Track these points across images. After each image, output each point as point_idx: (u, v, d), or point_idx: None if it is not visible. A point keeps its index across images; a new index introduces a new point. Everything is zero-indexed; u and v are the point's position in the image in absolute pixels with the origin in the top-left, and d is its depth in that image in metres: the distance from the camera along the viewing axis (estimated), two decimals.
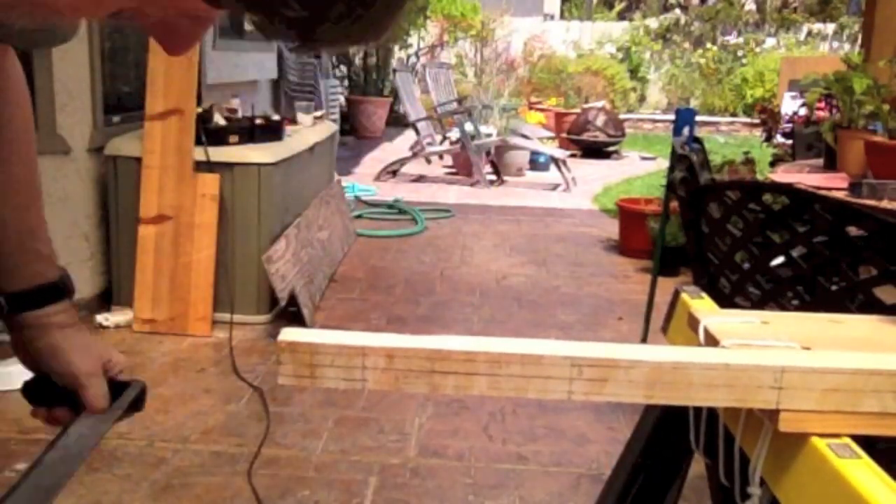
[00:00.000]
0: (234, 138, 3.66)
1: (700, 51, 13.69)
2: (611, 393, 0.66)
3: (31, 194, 0.84)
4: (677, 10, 15.17)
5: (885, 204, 2.32)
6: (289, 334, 0.68)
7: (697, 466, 0.99)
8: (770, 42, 13.70)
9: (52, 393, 0.80)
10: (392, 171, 7.71)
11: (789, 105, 6.46)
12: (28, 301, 0.80)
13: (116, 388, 0.81)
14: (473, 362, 0.66)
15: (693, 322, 0.86)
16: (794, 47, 13.43)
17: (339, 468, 2.44)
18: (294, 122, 4.52)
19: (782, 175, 2.92)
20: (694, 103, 12.95)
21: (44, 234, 0.84)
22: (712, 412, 0.84)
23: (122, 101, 4.12)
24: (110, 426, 0.79)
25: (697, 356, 0.68)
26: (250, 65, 6.90)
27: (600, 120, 9.73)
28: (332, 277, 4.42)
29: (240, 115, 4.00)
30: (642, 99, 13.73)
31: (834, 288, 1.43)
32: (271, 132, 3.87)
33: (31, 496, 0.65)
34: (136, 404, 0.83)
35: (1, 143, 0.81)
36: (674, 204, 2.70)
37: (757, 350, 0.75)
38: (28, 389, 0.82)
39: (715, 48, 13.57)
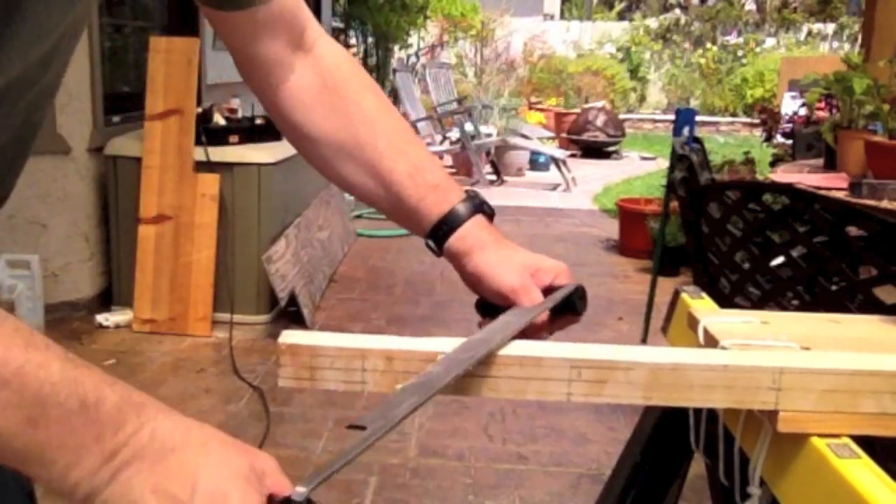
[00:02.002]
0: (234, 138, 3.66)
1: (700, 51, 13.69)
2: (610, 394, 0.66)
3: (405, 136, 0.86)
4: (677, 10, 15.19)
5: (885, 204, 2.32)
6: (289, 337, 0.68)
7: (697, 466, 0.98)
8: (770, 42, 13.71)
9: (499, 308, 0.79)
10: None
11: (789, 105, 6.46)
12: (436, 235, 0.82)
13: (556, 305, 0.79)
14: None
15: (693, 322, 0.86)
16: (794, 47, 13.44)
17: None
18: None
19: (782, 175, 2.92)
20: (694, 103, 12.95)
21: (431, 164, 0.86)
22: (712, 412, 0.84)
23: (122, 101, 4.12)
24: (537, 315, 0.76)
25: (696, 357, 0.68)
26: None
27: (600, 120, 9.73)
28: (332, 277, 4.42)
29: (240, 115, 4.00)
30: (642, 99, 13.73)
31: (834, 288, 1.43)
32: (271, 132, 3.86)
33: (449, 364, 0.63)
34: (574, 305, 0.81)
35: (361, 120, 0.84)
36: (674, 204, 2.70)
37: (756, 351, 0.75)
38: (479, 305, 0.83)
39: (715, 48, 13.57)
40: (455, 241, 0.82)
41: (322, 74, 0.85)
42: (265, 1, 0.79)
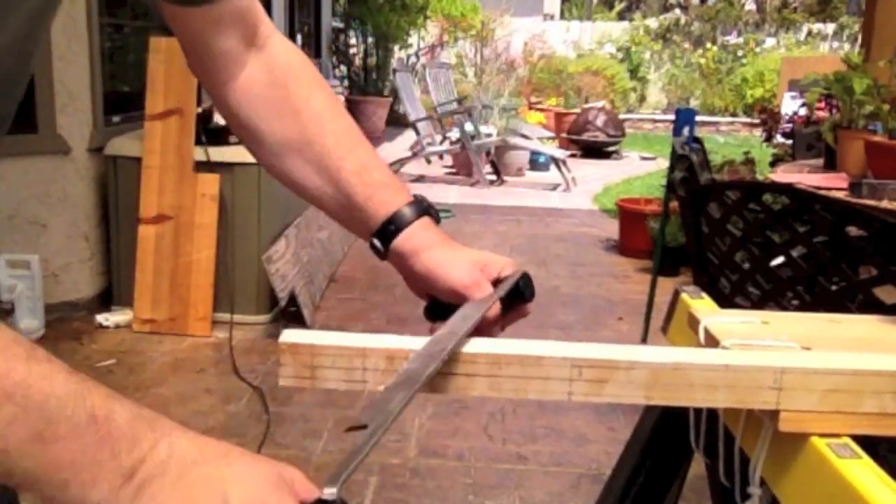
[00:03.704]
0: (234, 138, 3.65)
1: (700, 51, 13.69)
2: (610, 394, 0.66)
3: (354, 135, 0.86)
4: (677, 10, 15.19)
5: (885, 204, 2.32)
6: (289, 336, 0.68)
7: (697, 466, 0.98)
8: (770, 42, 13.71)
9: (448, 310, 0.78)
10: (392, 171, 7.70)
11: (789, 105, 6.46)
12: (383, 234, 0.81)
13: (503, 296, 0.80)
14: (473, 363, 0.66)
15: (693, 322, 0.86)
16: (794, 47, 13.44)
17: None
18: None
19: (782, 175, 2.92)
20: (694, 103, 12.95)
21: (378, 164, 0.86)
22: (712, 412, 0.84)
23: (122, 101, 4.12)
24: (492, 305, 0.77)
25: (697, 357, 0.68)
26: None
27: (600, 120, 9.73)
28: (332, 277, 4.42)
29: None
30: (642, 99, 13.73)
31: (834, 288, 1.43)
32: None
33: (424, 360, 0.63)
34: (522, 293, 0.81)
35: (309, 117, 0.84)
36: (674, 204, 2.70)
37: (757, 351, 0.75)
38: (428, 311, 0.82)
39: (715, 48, 13.57)
40: (403, 240, 0.81)
41: (272, 71, 0.85)
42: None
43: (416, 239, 0.81)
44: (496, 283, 0.81)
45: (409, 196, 0.84)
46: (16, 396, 0.45)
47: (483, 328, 0.76)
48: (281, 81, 0.84)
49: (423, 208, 0.83)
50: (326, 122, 0.85)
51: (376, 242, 0.82)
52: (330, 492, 0.49)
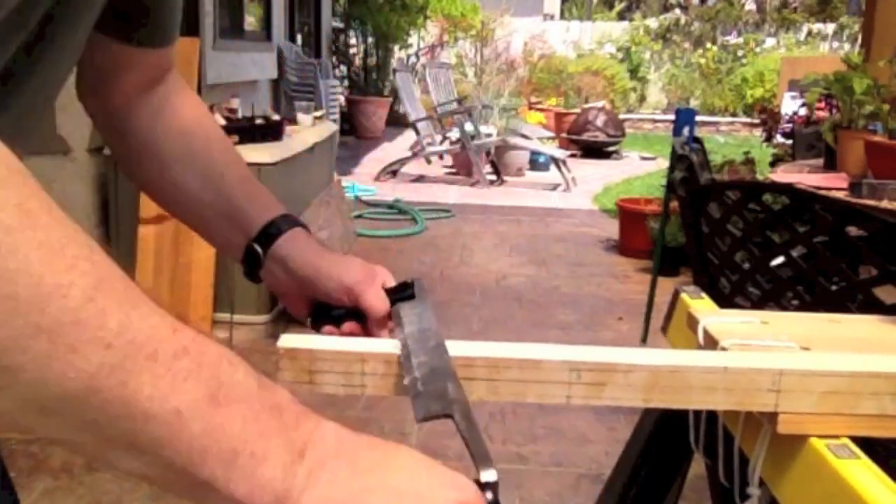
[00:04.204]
0: (233, 138, 3.65)
1: (700, 51, 13.69)
2: (609, 397, 0.66)
3: (240, 159, 0.88)
4: (677, 10, 15.20)
5: (885, 204, 2.32)
6: (288, 341, 0.68)
7: (697, 466, 0.99)
8: (770, 42, 13.71)
9: (332, 316, 0.80)
10: (392, 171, 7.71)
11: (789, 105, 6.46)
12: (263, 237, 0.81)
13: (388, 293, 0.81)
14: (472, 367, 0.66)
15: (692, 322, 0.86)
16: (794, 47, 13.44)
17: None
18: (294, 122, 4.52)
19: (782, 175, 2.92)
20: (694, 103, 12.95)
21: (256, 179, 0.87)
22: (712, 413, 0.84)
23: None
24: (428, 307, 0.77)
25: (695, 359, 0.68)
26: (250, 65, 6.91)
27: (600, 120, 9.73)
28: None
29: (240, 115, 4.00)
30: (642, 99, 13.73)
31: (834, 288, 1.43)
32: (271, 132, 3.87)
33: (426, 353, 0.64)
34: (413, 295, 0.81)
35: (203, 141, 0.86)
36: (674, 204, 2.70)
37: (755, 352, 0.75)
38: (312, 321, 0.83)
39: (715, 48, 13.57)
40: (288, 240, 0.81)
41: (166, 102, 0.85)
42: (168, 44, 0.79)
43: (301, 242, 0.81)
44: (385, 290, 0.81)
45: (284, 209, 0.85)
46: (191, 352, 0.41)
47: (371, 327, 0.78)
48: (173, 109, 0.85)
49: (300, 222, 0.84)
50: (214, 145, 0.86)
51: (256, 247, 0.81)
52: (492, 472, 0.47)
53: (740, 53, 13.43)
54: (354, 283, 0.78)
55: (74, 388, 0.37)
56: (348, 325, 0.79)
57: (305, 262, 0.80)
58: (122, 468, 0.41)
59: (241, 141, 3.68)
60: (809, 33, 13.84)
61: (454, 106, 8.25)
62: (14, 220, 0.37)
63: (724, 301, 1.50)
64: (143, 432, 0.39)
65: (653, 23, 14.45)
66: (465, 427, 0.52)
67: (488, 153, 7.87)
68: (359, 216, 5.79)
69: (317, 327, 0.81)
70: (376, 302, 0.78)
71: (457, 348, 0.66)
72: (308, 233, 0.83)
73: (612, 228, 5.61)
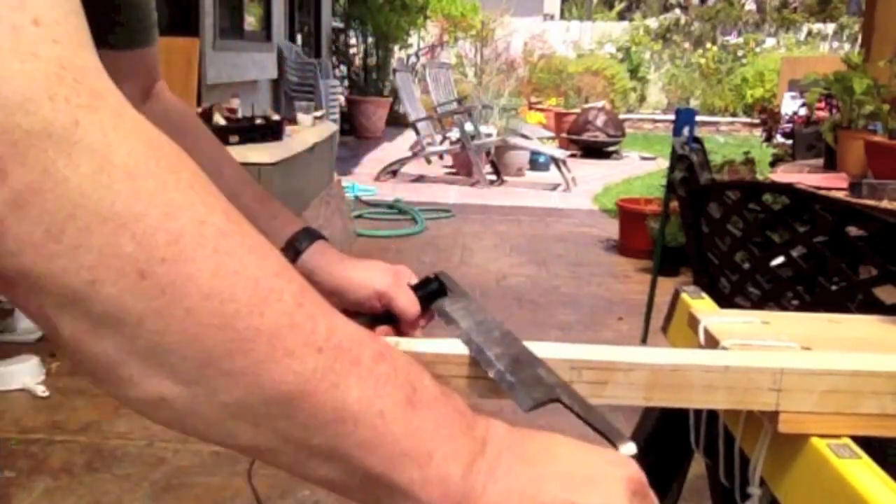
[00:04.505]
0: (234, 138, 3.66)
1: (700, 51, 13.69)
2: (610, 395, 0.66)
3: (246, 176, 0.88)
4: (677, 10, 15.19)
5: (885, 204, 2.32)
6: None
7: (697, 466, 0.99)
8: (770, 42, 13.71)
9: (360, 323, 0.79)
10: (392, 171, 7.71)
11: (789, 105, 6.46)
12: (299, 245, 0.82)
13: (415, 291, 0.81)
14: (472, 366, 0.66)
15: (693, 322, 0.86)
16: (794, 47, 13.44)
17: None
18: (294, 122, 4.53)
19: (782, 175, 2.92)
20: (694, 103, 12.95)
21: (270, 196, 0.88)
22: (712, 412, 0.84)
23: None
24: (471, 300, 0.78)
25: (696, 358, 0.68)
26: (250, 65, 6.91)
27: (600, 120, 9.73)
28: None
29: (240, 115, 4.00)
30: (642, 99, 13.73)
31: (834, 288, 1.43)
32: (271, 132, 3.87)
33: (497, 343, 0.63)
34: (443, 290, 0.82)
35: (208, 157, 0.84)
36: (674, 204, 2.70)
37: (756, 351, 0.75)
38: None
39: (715, 48, 13.57)
40: (314, 254, 0.82)
41: (167, 115, 0.85)
42: (148, 44, 0.79)
43: (329, 252, 0.83)
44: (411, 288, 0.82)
45: (305, 224, 0.86)
46: (387, 357, 0.42)
47: (404, 328, 0.79)
48: (174, 122, 0.84)
49: (321, 234, 0.85)
50: (221, 162, 0.86)
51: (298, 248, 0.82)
52: (630, 446, 0.48)
53: (740, 53, 13.43)
54: (386, 288, 0.79)
55: (289, 392, 0.38)
56: (382, 330, 0.79)
57: (333, 274, 0.81)
58: (317, 477, 0.42)
59: (241, 141, 3.68)
60: (809, 33, 13.84)
61: (454, 106, 8.25)
62: (226, 225, 0.37)
63: (724, 301, 1.50)
64: (351, 436, 0.40)
65: (653, 23, 14.46)
66: (580, 407, 0.52)
67: (488, 153, 7.88)
68: (359, 216, 5.79)
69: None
70: (409, 304, 0.79)
71: (458, 347, 0.66)
72: (328, 243, 0.84)
73: (612, 228, 5.61)
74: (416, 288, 0.81)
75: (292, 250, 0.82)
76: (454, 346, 0.66)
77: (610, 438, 0.49)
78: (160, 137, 0.39)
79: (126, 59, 0.79)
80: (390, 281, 0.80)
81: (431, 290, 0.81)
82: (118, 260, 0.34)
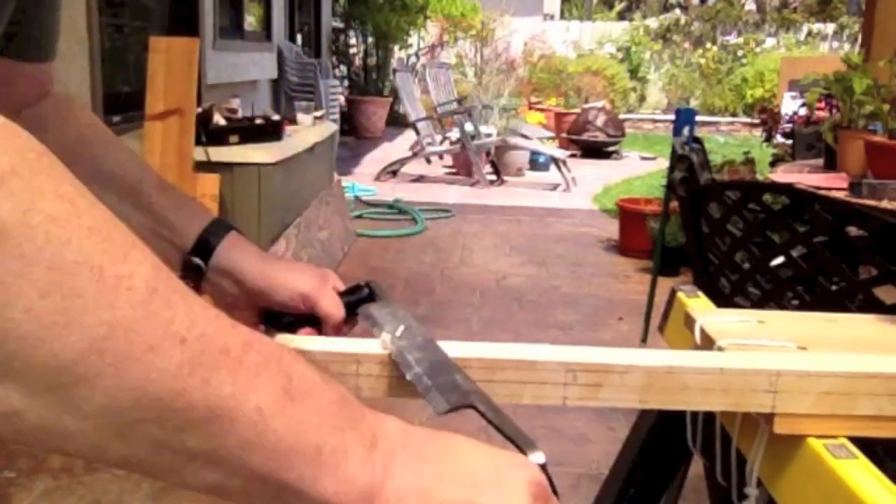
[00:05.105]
0: (234, 138, 3.66)
1: (700, 51, 13.68)
2: (606, 398, 0.66)
3: (144, 162, 0.82)
4: (677, 10, 15.19)
5: (885, 204, 2.31)
6: (282, 340, 0.67)
7: (697, 466, 0.98)
8: (770, 42, 13.70)
9: (283, 323, 0.77)
10: (392, 171, 7.71)
11: (789, 105, 6.46)
12: (201, 248, 0.76)
13: (341, 297, 0.79)
14: (467, 368, 0.66)
15: (689, 321, 0.86)
16: (794, 47, 13.43)
17: None
18: (294, 122, 4.53)
19: (782, 175, 2.92)
20: (694, 103, 12.94)
21: (176, 187, 0.82)
22: (709, 413, 0.84)
23: (122, 101, 4.12)
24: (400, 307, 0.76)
25: (692, 360, 0.68)
26: (250, 65, 6.91)
27: (600, 120, 9.72)
28: None
29: (240, 115, 4.00)
30: (642, 99, 13.73)
31: (834, 288, 1.43)
32: (271, 132, 3.87)
33: (418, 349, 0.63)
34: (371, 297, 0.79)
35: (104, 145, 0.79)
36: (674, 204, 2.70)
37: (752, 352, 0.74)
38: (266, 324, 0.79)
39: (715, 48, 13.56)
40: (229, 248, 0.76)
41: (62, 113, 0.79)
42: (44, 59, 0.74)
43: (243, 250, 0.78)
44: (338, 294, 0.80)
45: (213, 215, 0.80)
46: (254, 345, 0.38)
47: (327, 332, 0.76)
48: (68, 117, 0.79)
49: (233, 226, 0.79)
50: (123, 154, 0.79)
51: (196, 261, 0.76)
52: (539, 455, 0.48)
53: (740, 53, 13.43)
54: (310, 290, 0.77)
55: (157, 392, 0.34)
56: (305, 331, 0.76)
57: (255, 274, 0.77)
58: (200, 484, 0.38)
59: (241, 141, 3.68)
60: (809, 33, 13.83)
61: (454, 106, 8.25)
62: (57, 208, 0.32)
63: (724, 301, 1.49)
64: (229, 435, 0.37)
65: (653, 23, 14.45)
66: (493, 414, 0.52)
67: (488, 153, 7.87)
68: (359, 216, 5.79)
69: (270, 327, 0.78)
70: (333, 308, 0.77)
71: (452, 349, 0.66)
72: (242, 236, 0.79)
73: (612, 228, 5.61)
74: (344, 294, 0.79)
75: (203, 246, 0.76)
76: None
77: (519, 445, 0.49)
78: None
79: (16, 70, 0.73)
80: (315, 284, 0.77)
81: (360, 297, 0.79)
82: None
